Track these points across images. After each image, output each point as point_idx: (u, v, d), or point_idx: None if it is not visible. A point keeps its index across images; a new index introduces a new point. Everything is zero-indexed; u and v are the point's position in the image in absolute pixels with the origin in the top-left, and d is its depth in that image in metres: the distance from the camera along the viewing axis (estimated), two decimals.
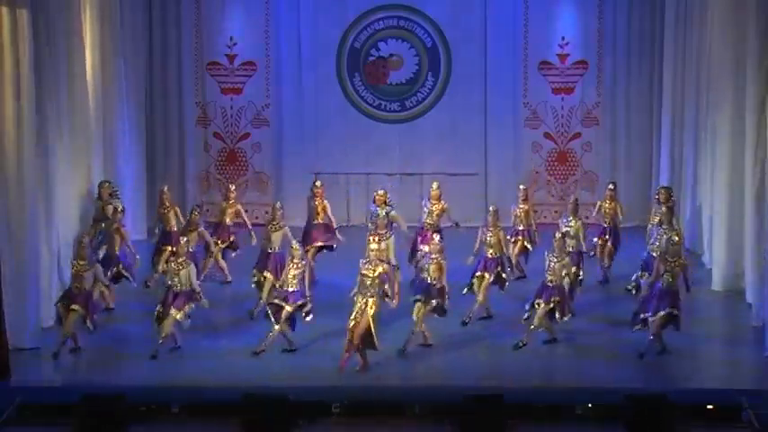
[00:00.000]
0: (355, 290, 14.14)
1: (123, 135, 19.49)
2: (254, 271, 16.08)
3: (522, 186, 17.92)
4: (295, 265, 14.48)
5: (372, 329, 13.76)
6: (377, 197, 16.90)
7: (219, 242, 17.41)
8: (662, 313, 14.08)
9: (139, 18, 20.63)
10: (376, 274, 13.95)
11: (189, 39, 21.66)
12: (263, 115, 21.93)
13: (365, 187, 21.66)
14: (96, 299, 14.99)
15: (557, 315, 14.60)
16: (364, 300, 13.88)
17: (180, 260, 14.57)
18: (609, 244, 17.35)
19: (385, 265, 14.26)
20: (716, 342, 14.72)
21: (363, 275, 13.99)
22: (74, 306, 14.34)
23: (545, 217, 21.39)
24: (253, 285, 16.12)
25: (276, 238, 16.14)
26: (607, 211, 17.43)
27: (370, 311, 13.79)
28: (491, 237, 15.78)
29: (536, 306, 14.58)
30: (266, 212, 20.83)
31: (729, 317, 15.98)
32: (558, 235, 14.96)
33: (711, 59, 17.61)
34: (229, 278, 17.49)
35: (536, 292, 14.70)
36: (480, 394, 12.90)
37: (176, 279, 14.44)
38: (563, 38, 21.47)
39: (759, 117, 15.56)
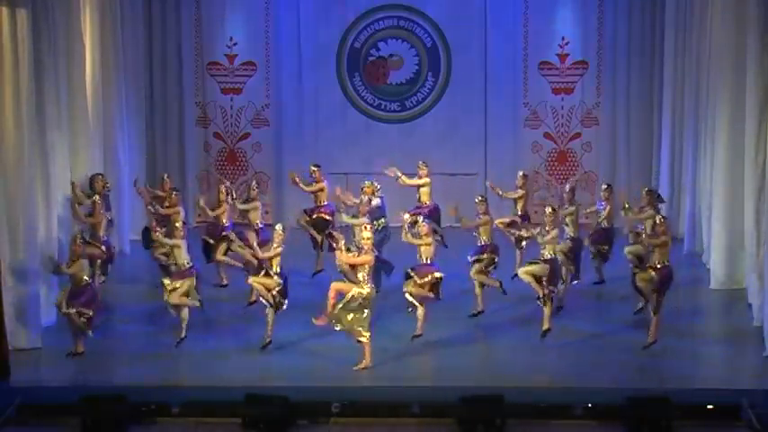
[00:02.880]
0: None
1: (123, 135, 19.49)
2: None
3: (521, 173, 17.78)
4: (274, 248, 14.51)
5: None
6: (365, 188, 16.85)
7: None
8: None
9: (139, 18, 20.63)
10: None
11: (189, 39, 21.67)
12: (263, 115, 21.94)
13: None
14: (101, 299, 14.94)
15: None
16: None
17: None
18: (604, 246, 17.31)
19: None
20: (716, 342, 14.72)
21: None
22: (75, 309, 14.39)
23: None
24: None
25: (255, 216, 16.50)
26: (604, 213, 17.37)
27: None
28: (481, 221, 15.85)
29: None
30: (266, 212, 20.90)
31: (729, 317, 15.98)
32: (548, 210, 14.99)
33: (711, 59, 17.61)
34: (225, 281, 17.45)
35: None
36: (480, 394, 12.91)
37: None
38: (563, 38, 21.47)
39: (759, 117, 15.54)
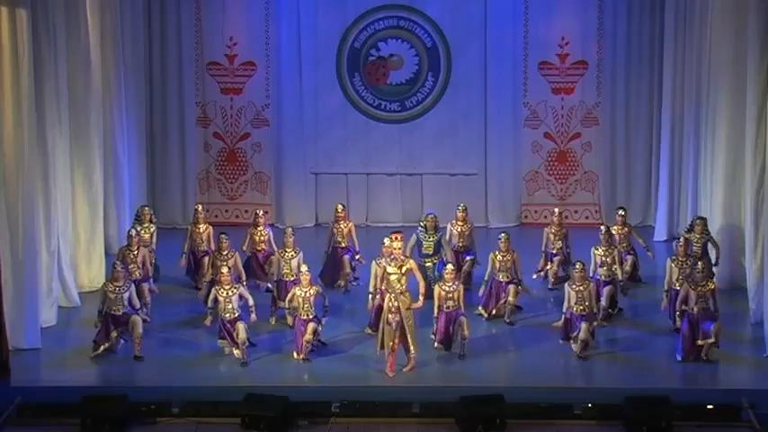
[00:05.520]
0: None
1: (123, 135, 19.47)
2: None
3: (557, 210, 17.76)
4: (304, 292, 14.47)
5: (407, 329, 13.80)
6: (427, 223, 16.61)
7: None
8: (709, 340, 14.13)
9: (139, 18, 20.61)
10: (403, 270, 14.01)
11: (189, 39, 21.63)
12: (263, 115, 21.93)
13: (365, 187, 21.68)
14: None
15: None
16: (394, 297, 13.85)
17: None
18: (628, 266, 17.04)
19: (411, 261, 14.35)
20: None
21: (389, 274, 14.03)
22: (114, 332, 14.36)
23: (545, 218, 21.39)
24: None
25: (293, 265, 15.82)
26: (621, 236, 17.10)
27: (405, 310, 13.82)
28: (504, 260, 15.85)
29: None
30: (266, 212, 20.88)
31: (729, 317, 15.96)
32: (578, 266, 14.65)
33: (711, 60, 17.61)
34: None
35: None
36: (480, 394, 12.92)
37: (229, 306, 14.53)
38: (563, 38, 21.44)
39: (759, 117, 15.56)
